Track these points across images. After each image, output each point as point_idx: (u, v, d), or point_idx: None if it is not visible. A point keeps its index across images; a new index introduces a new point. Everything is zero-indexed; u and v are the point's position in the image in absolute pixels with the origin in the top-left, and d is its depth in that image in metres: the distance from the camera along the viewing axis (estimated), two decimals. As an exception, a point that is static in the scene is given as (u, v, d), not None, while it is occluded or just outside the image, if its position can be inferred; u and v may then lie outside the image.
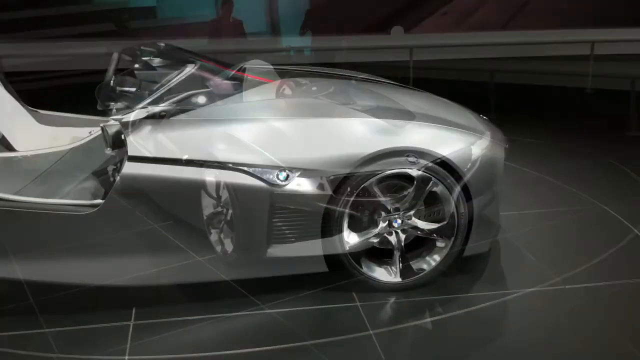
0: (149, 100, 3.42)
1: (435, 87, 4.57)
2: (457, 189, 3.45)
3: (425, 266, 3.55)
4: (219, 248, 3.35)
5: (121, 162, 3.32)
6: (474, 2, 10.68)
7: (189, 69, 3.66)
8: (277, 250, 3.33)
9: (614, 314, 3.35)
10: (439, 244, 3.55)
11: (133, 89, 3.72)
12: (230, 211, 3.30)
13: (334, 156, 3.32)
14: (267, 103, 3.74)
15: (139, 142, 3.26)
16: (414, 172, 3.40)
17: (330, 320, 3.35)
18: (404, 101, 3.92)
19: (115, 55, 3.83)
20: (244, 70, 4.05)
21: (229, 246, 3.36)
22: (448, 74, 9.24)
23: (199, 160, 3.25)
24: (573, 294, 3.51)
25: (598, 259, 3.87)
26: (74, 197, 3.53)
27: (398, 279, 3.51)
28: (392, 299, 3.48)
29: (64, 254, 3.28)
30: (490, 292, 3.53)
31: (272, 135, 3.38)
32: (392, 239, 3.50)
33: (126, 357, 3.04)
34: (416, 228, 3.51)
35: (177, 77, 3.59)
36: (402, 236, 3.50)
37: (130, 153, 3.23)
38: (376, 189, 3.40)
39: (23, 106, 4.16)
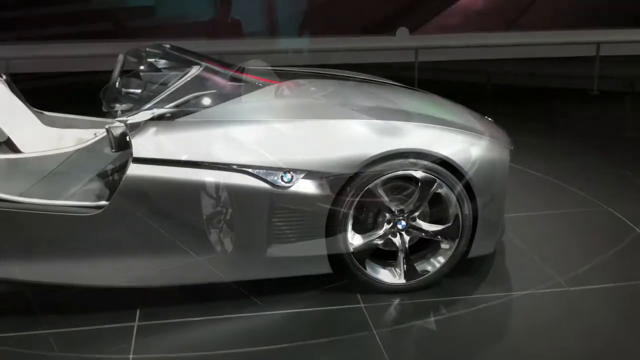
0: (154, 102, 3.42)
1: (441, 89, 4.58)
2: (462, 190, 3.45)
3: (429, 268, 3.56)
4: (219, 249, 3.36)
5: (126, 164, 3.33)
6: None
7: (194, 71, 3.66)
8: (280, 251, 3.35)
9: (619, 315, 3.35)
10: (444, 245, 3.55)
11: (138, 91, 3.73)
12: (233, 213, 3.31)
13: (339, 158, 3.33)
14: (271, 105, 3.74)
15: (143, 144, 3.26)
16: (418, 173, 3.40)
17: (334, 321, 3.35)
18: (405, 102, 3.93)
19: (120, 57, 3.84)
20: (249, 71, 4.05)
21: (229, 247, 3.37)
22: (454, 75, 9.24)
23: (203, 162, 3.26)
24: (577, 294, 3.51)
25: (602, 259, 3.87)
26: (79, 198, 3.53)
27: (402, 281, 3.51)
28: (397, 300, 3.49)
29: (69, 255, 3.29)
30: (494, 293, 3.53)
31: (276, 137, 3.38)
32: (397, 240, 3.50)
33: (130, 356, 3.05)
34: (420, 230, 3.51)
35: (183, 78, 3.59)
36: (407, 238, 3.50)
37: (135, 155, 3.24)
38: (381, 191, 3.40)
39: (28, 107, 4.16)
